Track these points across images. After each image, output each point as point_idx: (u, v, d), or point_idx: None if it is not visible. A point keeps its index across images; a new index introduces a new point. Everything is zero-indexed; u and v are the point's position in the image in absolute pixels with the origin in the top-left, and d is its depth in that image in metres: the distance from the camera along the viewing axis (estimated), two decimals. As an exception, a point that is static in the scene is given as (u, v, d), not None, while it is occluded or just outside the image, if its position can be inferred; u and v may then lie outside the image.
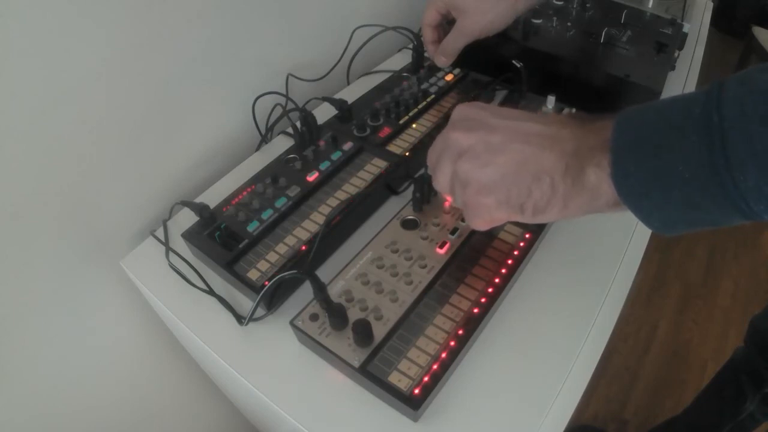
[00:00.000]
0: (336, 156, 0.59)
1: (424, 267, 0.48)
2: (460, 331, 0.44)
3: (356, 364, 0.41)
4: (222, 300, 0.50)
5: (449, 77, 0.71)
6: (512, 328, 0.47)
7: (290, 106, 0.67)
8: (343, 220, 0.53)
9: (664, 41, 0.71)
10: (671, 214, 0.28)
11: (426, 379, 0.41)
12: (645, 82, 0.64)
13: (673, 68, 0.74)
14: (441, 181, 0.39)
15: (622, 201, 0.29)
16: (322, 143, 0.61)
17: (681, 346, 1.45)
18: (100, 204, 0.56)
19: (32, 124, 0.46)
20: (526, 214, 0.35)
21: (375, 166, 0.58)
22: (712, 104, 0.25)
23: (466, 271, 0.48)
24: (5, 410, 0.54)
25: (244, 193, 0.56)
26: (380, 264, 0.48)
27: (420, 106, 0.66)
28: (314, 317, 0.45)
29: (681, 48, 0.76)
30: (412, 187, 0.52)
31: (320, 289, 0.43)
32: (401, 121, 0.64)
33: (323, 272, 0.50)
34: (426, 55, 0.69)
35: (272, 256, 0.50)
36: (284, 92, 0.70)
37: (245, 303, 0.51)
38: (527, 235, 0.51)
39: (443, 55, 0.62)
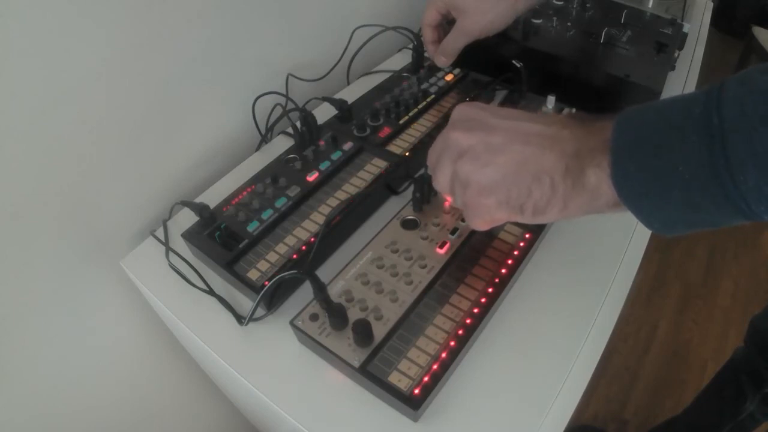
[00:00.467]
0: (336, 156, 0.59)
1: (424, 267, 0.48)
2: (460, 331, 0.44)
3: (356, 364, 0.41)
4: (222, 300, 0.50)
5: (449, 77, 0.71)
6: (512, 328, 0.47)
7: (290, 106, 0.67)
8: (343, 220, 0.53)
9: (664, 41, 0.71)
10: (671, 214, 0.28)
11: (426, 379, 0.41)
12: (645, 82, 0.64)
13: (673, 68, 0.74)
14: (441, 182, 0.39)
15: (622, 201, 0.29)
16: (322, 143, 0.61)
17: (681, 346, 1.45)
18: (100, 204, 0.56)
19: (32, 124, 0.46)
20: (526, 215, 0.35)
21: (375, 166, 0.58)
22: (712, 105, 0.25)
23: (466, 271, 0.48)
24: (5, 410, 0.54)
25: (244, 193, 0.56)
26: (380, 264, 0.48)
27: (420, 106, 0.66)
28: (314, 317, 0.45)
29: (681, 48, 0.76)
30: (412, 187, 0.52)
31: (320, 289, 0.43)
32: (401, 121, 0.64)
33: (323, 272, 0.50)
34: (426, 55, 0.69)
35: (272, 256, 0.50)
36: (284, 92, 0.70)
37: (245, 303, 0.51)
38: (527, 235, 0.51)
39: (443, 55, 0.62)
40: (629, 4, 0.80)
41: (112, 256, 0.58)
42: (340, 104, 0.65)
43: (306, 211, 0.54)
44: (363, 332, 0.41)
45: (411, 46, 0.74)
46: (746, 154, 0.24)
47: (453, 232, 0.51)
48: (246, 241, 0.51)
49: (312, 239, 0.51)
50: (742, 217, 0.26)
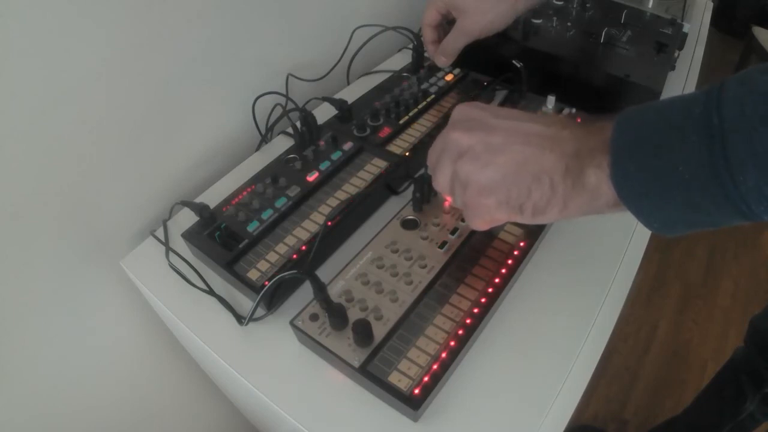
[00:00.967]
0: (336, 156, 0.59)
1: (424, 267, 0.48)
2: (460, 331, 0.44)
3: (356, 364, 0.41)
4: (222, 300, 0.50)
5: (449, 77, 0.71)
6: (512, 328, 0.47)
7: (290, 106, 0.67)
8: (343, 220, 0.53)
9: (664, 41, 0.71)
10: (671, 214, 0.28)
11: (426, 379, 0.41)
12: (645, 82, 0.64)
13: (673, 68, 0.74)
14: (441, 182, 0.39)
15: (621, 202, 0.29)
16: (322, 143, 0.61)
17: (681, 346, 1.45)
18: (100, 204, 0.56)
19: (32, 124, 0.46)
20: (525, 215, 0.35)
21: (375, 166, 0.58)
22: (712, 105, 0.25)
23: (466, 271, 0.48)
24: (5, 410, 0.54)
25: (244, 193, 0.56)
26: (380, 264, 0.48)
27: (420, 106, 0.66)
28: (314, 317, 0.45)
29: (681, 48, 0.76)
30: (412, 187, 0.52)
31: (320, 289, 0.43)
32: (401, 121, 0.64)
33: (323, 272, 0.50)
34: (426, 55, 0.69)
35: (272, 256, 0.50)
36: (284, 92, 0.70)
37: (245, 303, 0.51)
38: (527, 236, 0.51)
39: (443, 55, 0.62)
40: (629, 4, 0.80)
41: (112, 256, 0.58)
42: (340, 104, 0.65)
43: (306, 211, 0.54)
44: (363, 332, 0.41)
45: (411, 46, 0.74)
46: (746, 154, 0.24)
47: (453, 232, 0.51)
48: (246, 241, 0.51)
49: (312, 239, 0.51)
50: (742, 217, 0.26)
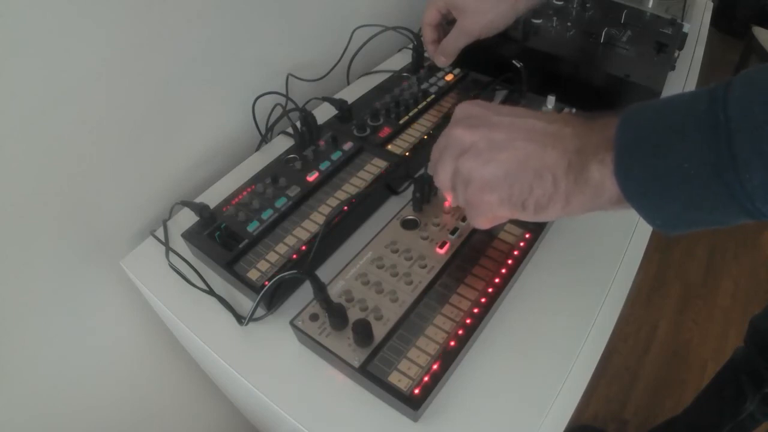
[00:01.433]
0: (336, 156, 0.59)
1: (424, 267, 0.48)
2: (460, 331, 0.44)
3: (356, 364, 0.41)
4: (222, 300, 0.50)
5: (449, 77, 0.71)
6: (512, 328, 0.47)
7: (290, 106, 0.67)
8: (343, 220, 0.53)
9: (664, 41, 0.71)
10: (674, 212, 0.28)
11: (426, 379, 0.41)
12: (645, 82, 0.64)
13: (673, 68, 0.74)
14: (443, 179, 0.39)
15: (626, 199, 0.29)
16: (322, 143, 0.61)
17: (681, 346, 1.45)
18: (100, 204, 0.56)
19: (32, 124, 0.46)
20: (527, 212, 0.35)
21: (375, 166, 0.58)
22: (718, 104, 0.25)
23: (466, 271, 0.48)
24: (5, 410, 0.54)
25: (244, 193, 0.56)
26: (380, 264, 0.48)
27: (420, 106, 0.66)
28: (314, 317, 0.45)
29: (681, 48, 0.76)
30: (412, 187, 0.52)
31: (320, 289, 0.43)
32: (401, 121, 0.64)
33: (323, 272, 0.50)
34: (426, 55, 0.69)
35: (272, 256, 0.50)
36: (284, 92, 0.70)
37: (245, 303, 0.51)
38: (527, 235, 0.51)
39: (443, 54, 0.62)
40: (629, 4, 0.80)
41: (112, 256, 0.58)
42: (340, 104, 0.65)
43: (306, 211, 0.54)
44: (363, 332, 0.41)
45: (411, 46, 0.74)
46: (753, 152, 0.24)
47: (453, 232, 0.51)
48: (246, 241, 0.51)
49: (312, 239, 0.51)
50: (747, 215, 0.26)
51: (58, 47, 0.45)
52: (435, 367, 0.41)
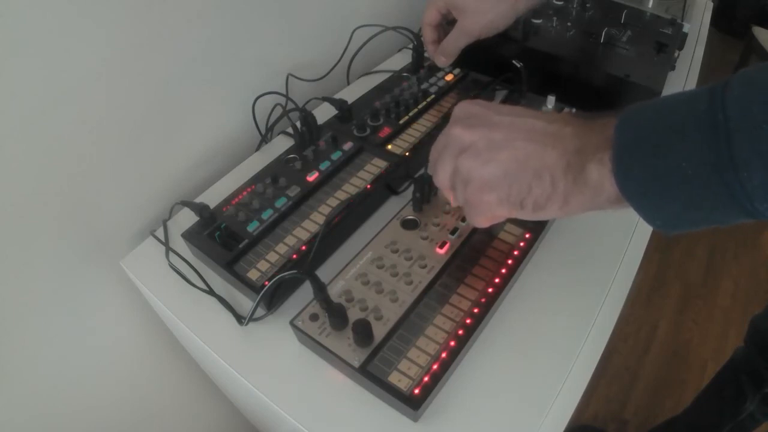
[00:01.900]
0: (336, 156, 0.59)
1: (424, 267, 0.48)
2: (460, 331, 0.44)
3: (356, 364, 0.41)
4: (222, 300, 0.50)
5: (449, 77, 0.71)
6: (512, 328, 0.47)
7: (290, 106, 0.67)
8: (343, 220, 0.53)
9: (664, 41, 0.71)
10: (673, 212, 0.28)
11: (426, 379, 0.41)
12: (645, 82, 0.64)
13: (673, 68, 0.74)
14: (442, 178, 0.39)
15: (625, 199, 0.29)
16: (322, 143, 0.61)
17: (681, 346, 1.45)
18: (100, 204, 0.56)
19: (32, 124, 0.46)
20: (526, 211, 0.35)
21: (375, 166, 0.58)
22: (717, 103, 0.25)
23: (466, 271, 0.48)
24: (5, 410, 0.54)
25: (244, 193, 0.56)
26: (380, 264, 0.48)
27: (420, 106, 0.66)
28: (314, 317, 0.45)
29: (681, 48, 0.76)
30: (412, 187, 0.52)
31: (320, 289, 0.42)
32: (401, 121, 0.64)
33: (323, 272, 0.50)
34: (426, 55, 0.69)
35: (272, 256, 0.50)
36: (284, 92, 0.70)
37: (245, 303, 0.51)
38: (527, 235, 0.51)
39: (443, 55, 0.62)
40: (629, 4, 0.80)
41: (112, 256, 0.58)
42: (340, 104, 0.65)
43: (306, 211, 0.54)
44: (363, 332, 0.41)
45: (411, 46, 0.74)
46: (752, 152, 0.24)
47: (453, 232, 0.51)
48: (246, 241, 0.51)
49: (312, 239, 0.51)
50: (746, 215, 0.26)
51: (58, 47, 0.45)
52: (435, 367, 0.41)
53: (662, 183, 0.27)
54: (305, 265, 0.49)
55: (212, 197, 0.58)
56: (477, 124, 0.36)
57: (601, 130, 0.31)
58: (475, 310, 0.45)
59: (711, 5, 1.01)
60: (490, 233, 0.51)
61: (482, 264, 0.49)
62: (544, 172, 0.33)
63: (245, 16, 0.63)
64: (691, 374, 1.38)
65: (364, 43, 0.75)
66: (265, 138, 0.68)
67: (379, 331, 0.43)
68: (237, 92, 0.67)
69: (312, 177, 0.57)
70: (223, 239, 0.52)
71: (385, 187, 0.59)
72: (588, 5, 0.79)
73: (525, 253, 0.50)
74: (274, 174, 0.57)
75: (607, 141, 0.30)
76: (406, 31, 0.73)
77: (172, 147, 0.62)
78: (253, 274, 0.49)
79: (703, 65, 0.84)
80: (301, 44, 0.74)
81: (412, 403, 0.40)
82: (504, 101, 0.69)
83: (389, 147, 0.61)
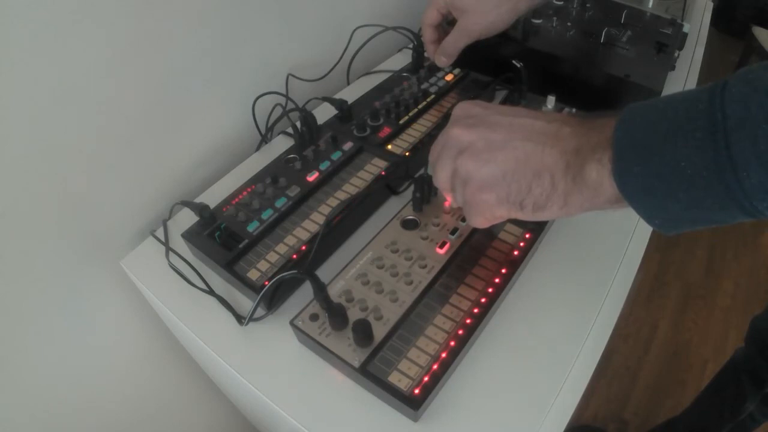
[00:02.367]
0: (336, 156, 0.59)
1: (424, 267, 0.48)
2: (460, 331, 0.44)
3: (356, 364, 0.41)
4: (222, 300, 0.50)
5: (449, 77, 0.71)
6: (512, 328, 0.47)
7: (290, 106, 0.67)
8: (343, 220, 0.53)
9: (664, 41, 0.71)
10: (673, 211, 0.28)
11: (426, 379, 0.41)
12: (645, 82, 0.64)
13: (673, 68, 0.74)
14: (441, 179, 0.39)
15: (624, 198, 0.29)
16: (322, 143, 0.61)
17: (681, 346, 1.45)
18: (100, 204, 0.56)
19: (32, 124, 0.46)
20: (525, 211, 0.35)
21: (375, 166, 0.58)
22: (716, 103, 0.25)
23: (466, 271, 0.48)
24: (5, 410, 0.54)
25: (244, 193, 0.56)
26: (380, 264, 0.48)
27: (420, 106, 0.66)
28: (314, 317, 0.45)
29: (681, 48, 0.76)
30: (412, 187, 0.52)
31: (320, 289, 0.42)
32: (401, 121, 0.64)
33: (323, 272, 0.50)
34: (426, 55, 0.69)
35: (272, 256, 0.50)
36: (284, 92, 0.70)
37: (245, 303, 0.51)
38: (527, 235, 0.51)
39: (443, 55, 0.62)
40: (629, 4, 0.80)
41: (113, 256, 0.58)
42: (340, 104, 0.65)
43: (306, 211, 0.54)
44: (363, 332, 0.41)
45: (411, 46, 0.74)
46: (750, 151, 0.24)
47: (453, 232, 0.51)
48: (246, 241, 0.51)
49: (312, 239, 0.51)
50: (745, 214, 0.26)
51: (59, 47, 0.45)
52: (435, 367, 0.41)
53: (661, 183, 0.27)
54: (305, 265, 0.49)
55: (212, 197, 0.58)
56: (476, 125, 0.36)
57: (601, 130, 0.31)
58: (475, 310, 0.45)
59: (711, 5, 1.01)
60: (490, 233, 0.51)
61: (482, 264, 0.49)
62: (544, 172, 0.33)
63: (245, 16, 0.63)
64: (691, 374, 1.38)
65: (364, 43, 0.75)
66: (265, 138, 0.68)
67: (379, 331, 0.43)
68: (237, 92, 0.67)
69: (312, 177, 0.57)
70: (223, 239, 0.52)
71: (385, 187, 0.59)
72: (588, 5, 0.79)
73: (525, 253, 0.50)
74: (274, 174, 0.57)
75: (607, 141, 0.30)
76: (406, 31, 0.73)
77: (172, 147, 0.62)
78: (253, 274, 0.49)
79: (703, 65, 0.84)
80: (301, 44, 0.74)
81: (412, 403, 0.40)
82: (504, 101, 0.69)
83: (389, 147, 0.61)
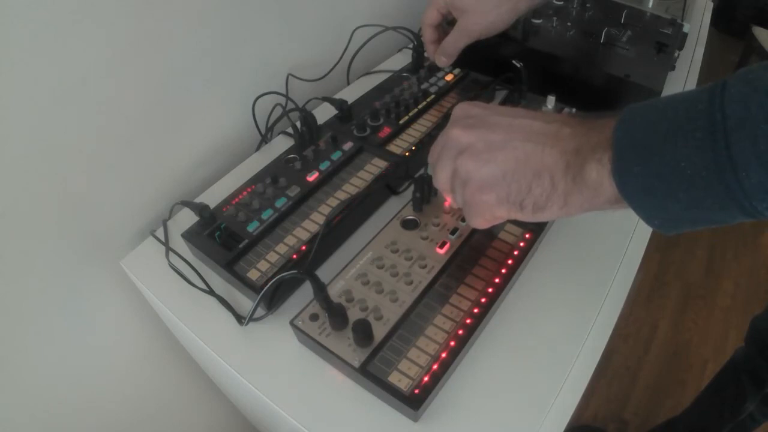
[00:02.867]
0: (336, 156, 0.59)
1: (424, 267, 0.48)
2: (460, 331, 0.44)
3: (356, 364, 0.41)
4: (222, 300, 0.50)
5: (449, 77, 0.71)
6: (512, 328, 0.47)
7: (290, 106, 0.67)
8: (343, 220, 0.53)
9: (664, 41, 0.71)
10: (673, 212, 0.28)
11: (426, 379, 0.41)
12: (645, 82, 0.64)
13: (673, 68, 0.74)
14: (441, 179, 0.39)
15: (624, 199, 0.29)
16: (322, 143, 0.61)
17: (681, 346, 1.45)
18: (100, 204, 0.56)
19: (32, 123, 0.46)
20: (525, 212, 0.35)
21: (375, 166, 0.58)
22: (716, 103, 0.25)
23: (466, 271, 0.48)
24: (5, 410, 0.54)
25: (244, 193, 0.56)
26: (380, 264, 0.48)
27: (420, 106, 0.66)
28: (314, 317, 0.45)
29: (681, 48, 0.76)
30: (412, 187, 0.52)
31: (320, 289, 0.42)
32: (401, 121, 0.64)
33: (323, 272, 0.50)
34: (426, 55, 0.69)
35: (272, 256, 0.50)
36: (284, 92, 0.70)
37: (245, 303, 0.51)
38: (527, 235, 0.51)
39: (443, 55, 0.62)
40: (629, 4, 0.80)
41: (113, 256, 0.58)
42: (340, 104, 0.65)
43: (306, 211, 0.54)
44: (363, 332, 0.41)
45: (411, 46, 0.74)
46: (751, 152, 0.24)
47: (453, 232, 0.51)
48: (246, 241, 0.51)
49: (312, 239, 0.51)
50: (745, 214, 0.26)
51: (59, 47, 0.45)
52: (435, 367, 0.41)
53: (661, 183, 0.27)
54: (305, 265, 0.49)
55: (212, 197, 0.58)
56: (476, 125, 0.36)
57: (600, 130, 0.31)
58: (475, 310, 0.45)
59: (711, 5, 1.01)
60: (490, 233, 0.51)
61: (482, 264, 0.49)
62: (544, 172, 0.32)
63: (245, 16, 0.63)
64: (691, 374, 1.38)
65: (364, 43, 0.75)
66: (265, 138, 0.68)
67: (379, 331, 0.43)
68: (237, 92, 0.67)
69: (312, 177, 0.57)
70: (223, 239, 0.52)
71: (385, 187, 0.59)
72: (588, 5, 0.79)
73: (525, 253, 0.50)
74: (274, 174, 0.57)
75: (607, 141, 0.30)
76: (406, 31, 0.73)
77: (172, 147, 0.62)
78: (253, 274, 0.49)
79: (703, 65, 0.84)
80: (301, 44, 0.74)
81: (412, 403, 0.40)
82: (504, 101, 0.69)
83: (389, 147, 0.61)
